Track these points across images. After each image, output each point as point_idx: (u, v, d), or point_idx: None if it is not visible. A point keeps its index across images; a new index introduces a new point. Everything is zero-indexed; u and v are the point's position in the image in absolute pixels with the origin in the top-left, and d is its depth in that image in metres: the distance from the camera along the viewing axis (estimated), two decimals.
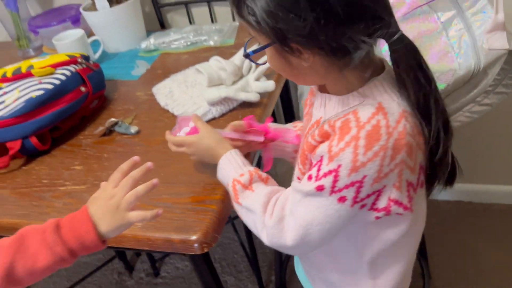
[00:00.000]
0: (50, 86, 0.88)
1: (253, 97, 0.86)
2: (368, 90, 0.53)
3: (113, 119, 0.93)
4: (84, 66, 0.98)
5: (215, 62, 0.91)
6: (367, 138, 0.50)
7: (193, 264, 0.79)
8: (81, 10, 1.23)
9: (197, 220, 0.66)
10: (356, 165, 0.50)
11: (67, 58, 0.96)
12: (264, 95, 0.90)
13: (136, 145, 0.87)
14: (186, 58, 1.16)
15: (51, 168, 0.86)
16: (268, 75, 0.92)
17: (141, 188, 0.56)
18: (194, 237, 0.64)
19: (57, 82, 0.90)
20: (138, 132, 0.90)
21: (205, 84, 0.90)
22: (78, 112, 0.95)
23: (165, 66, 1.15)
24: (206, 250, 0.64)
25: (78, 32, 1.17)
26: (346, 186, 0.51)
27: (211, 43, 1.18)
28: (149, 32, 1.30)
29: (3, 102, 0.90)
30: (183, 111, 0.89)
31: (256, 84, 0.88)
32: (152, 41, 1.22)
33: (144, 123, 0.92)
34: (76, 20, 1.31)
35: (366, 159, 0.50)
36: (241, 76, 0.92)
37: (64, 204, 0.76)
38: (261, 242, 0.61)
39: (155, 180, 0.57)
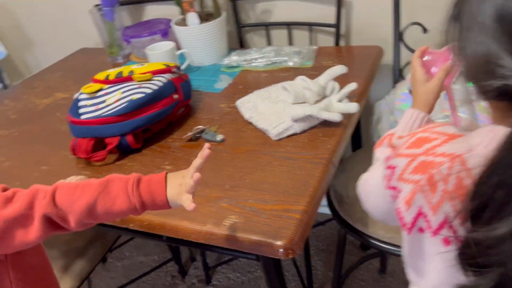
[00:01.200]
0: (149, 91, 0.97)
1: (336, 117, 0.89)
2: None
3: (200, 126, 1.00)
4: (177, 75, 1.06)
5: (301, 81, 0.96)
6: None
7: (264, 269, 0.83)
8: (172, 24, 1.34)
9: (282, 227, 0.70)
10: None
11: (163, 67, 1.05)
12: (344, 116, 0.93)
13: (222, 152, 0.92)
14: (265, 76, 1.22)
15: (142, 165, 0.93)
16: (348, 97, 0.96)
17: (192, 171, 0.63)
18: (280, 242, 0.67)
19: (155, 87, 0.98)
20: (223, 140, 0.96)
21: (290, 101, 0.95)
22: (167, 117, 1.02)
23: (246, 82, 1.22)
24: (290, 256, 0.68)
25: (169, 44, 1.27)
26: None
27: (291, 63, 1.24)
28: (229, 49, 1.39)
29: (104, 101, 0.99)
30: (266, 124, 0.94)
31: (339, 105, 0.92)
32: (234, 58, 1.30)
33: (228, 133, 0.98)
34: (165, 33, 1.41)
35: None
36: (324, 96, 0.96)
37: None
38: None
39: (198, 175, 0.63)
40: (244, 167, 0.86)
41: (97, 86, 1.02)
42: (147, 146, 0.99)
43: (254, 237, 0.69)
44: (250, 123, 0.99)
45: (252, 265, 1.64)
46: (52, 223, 0.60)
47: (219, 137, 0.96)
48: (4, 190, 0.62)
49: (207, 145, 0.65)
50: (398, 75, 1.24)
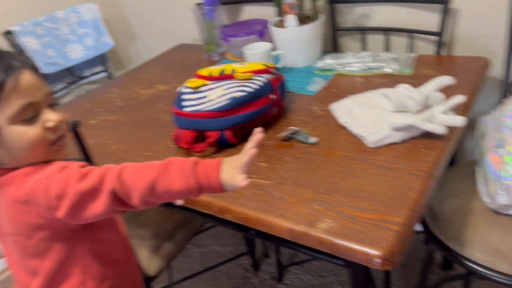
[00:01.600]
0: (250, 89, 1.00)
1: (440, 129, 0.86)
2: None
3: (293, 128, 1.02)
4: (275, 76, 1.09)
5: (404, 90, 0.94)
6: None
7: (353, 276, 0.83)
8: (270, 25, 1.37)
9: (380, 237, 0.69)
10: None
11: (263, 67, 1.08)
12: (448, 129, 0.89)
13: (314, 155, 0.93)
14: (360, 81, 1.21)
15: None
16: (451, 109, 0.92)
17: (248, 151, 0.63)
18: (377, 252, 0.67)
19: (256, 86, 1.01)
20: (316, 143, 0.97)
21: (390, 108, 0.93)
22: (263, 116, 1.05)
23: (340, 86, 1.21)
24: (387, 267, 0.67)
25: (267, 45, 1.31)
26: None
27: (388, 70, 1.21)
28: (323, 52, 1.39)
29: (205, 97, 1.04)
30: (363, 130, 0.93)
31: (444, 117, 0.88)
32: (328, 61, 1.30)
33: (321, 136, 0.99)
34: (262, 34, 1.45)
35: None
36: (426, 107, 0.93)
37: (253, 194, 0.85)
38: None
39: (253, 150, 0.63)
40: (338, 171, 0.87)
41: (200, 81, 1.08)
42: (243, 142, 1.03)
43: (350, 244, 0.69)
44: (345, 128, 0.99)
45: (325, 270, 1.63)
46: (118, 199, 0.66)
47: (313, 139, 0.97)
48: (82, 167, 0.69)
49: (258, 129, 0.66)
50: (506, 89, 1.16)
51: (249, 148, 0.63)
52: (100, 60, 1.94)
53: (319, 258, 0.86)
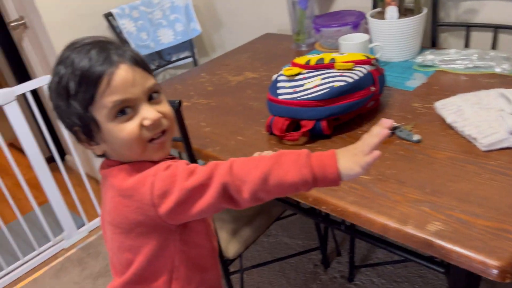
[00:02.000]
0: (350, 80, 0.97)
1: None
2: None
3: (394, 123, 0.97)
4: (375, 68, 1.04)
5: None
6: None
7: (452, 284, 0.77)
8: (367, 16, 1.32)
9: (499, 247, 0.63)
10: None
11: (364, 58, 1.04)
12: None
13: (417, 153, 0.88)
14: (465, 80, 1.13)
15: None
16: None
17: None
18: (496, 263, 0.61)
19: (356, 77, 0.98)
20: (419, 141, 0.91)
21: (508, 111, 0.86)
22: (359, 108, 1.02)
23: (442, 83, 1.14)
24: (508, 280, 0.61)
25: (363, 36, 1.26)
26: None
27: (498, 70, 1.11)
28: (421, 47, 1.31)
29: (302, 85, 1.02)
30: (475, 132, 0.86)
31: None
32: (429, 57, 1.22)
33: (424, 134, 0.93)
34: (356, 25, 1.40)
35: None
36: None
37: (350, 187, 0.82)
38: None
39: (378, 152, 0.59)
40: (446, 173, 0.81)
41: (296, 69, 1.06)
42: (336, 134, 1.00)
43: (465, 250, 0.64)
44: (452, 128, 0.93)
45: (399, 275, 1.56)
46: (226, 194, 0.62)
47: (416, 137, 0.92)
48: (187, 165, 0.67)
49: (387, 121, 0.60)
50: None
51: (373, 143, 0.59)
52: (188, 45, 2.00)
53: (415, 262, 0.82)
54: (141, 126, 0.66)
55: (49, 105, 2.15)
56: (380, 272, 1.59)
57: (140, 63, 0.69)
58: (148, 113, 0.67)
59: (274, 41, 1.70)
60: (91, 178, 2.46)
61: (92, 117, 0.66)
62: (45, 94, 1.86)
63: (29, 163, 1.88)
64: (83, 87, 0.64)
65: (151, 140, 0.68)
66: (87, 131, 0.68)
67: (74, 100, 0.65)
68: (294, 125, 1.01)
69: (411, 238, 0.70)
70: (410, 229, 0.70)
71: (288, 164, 0.61)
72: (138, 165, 0.69)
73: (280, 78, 1.08)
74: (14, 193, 2.45)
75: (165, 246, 0.72)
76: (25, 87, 1.73)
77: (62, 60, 0.67)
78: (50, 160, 2.13)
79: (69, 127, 0.70)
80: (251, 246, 1.81)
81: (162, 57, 1.95)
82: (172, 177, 0.63)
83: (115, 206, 0.69)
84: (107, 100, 0.64)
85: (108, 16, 1.78)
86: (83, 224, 2.12)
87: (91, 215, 2.19)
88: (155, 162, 0.69)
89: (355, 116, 1.04)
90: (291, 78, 1.06)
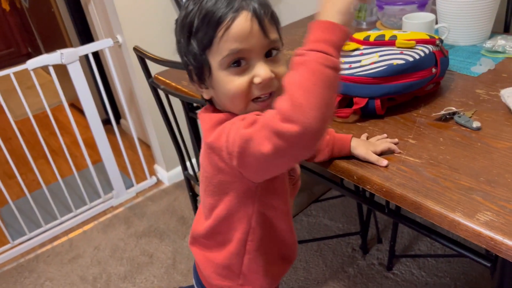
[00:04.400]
0: (410, 59, 0.92)
1: None
2: None
3: (452, 108, 0.91)
4: (439, 49, 0.98)
5: None
6: None
7: (499, 280, 0.73)
8: None
9: None
10: None
11: (427, 37, 0.98)
12: None
13: (475, 141, 0.83)
14: None
15: (384, 132, 0.91)
16: None
17: None
18: None
19: (417, 56, 0.93)
20: (479, 129, 0.86)
21: None
22: (416, 90, 0.97)
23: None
24: None
25: (429, 16, 1.19)
26: None
27: None
28: (491, 32, 1.22)
29: (358, 61, 0.99)
30: None
31: None
32: (500, 42, 1.13)
33: (485, 122, 0.87)
34: (423, 5, 1.32)
35: None
36: None
37: (398, 169, 0.79)
38: None
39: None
40: (504, 164, 0.76)
41: (354, 45, 1.03)
42: (389, 115, 0.97)
43: None
44: None
45: (441, 270, 1.50)
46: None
47: (475, 124, 0.86)
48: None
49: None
50: None
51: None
52: None
53: (459, 254, 0.78)
54: (251, 82, 0.64)
55: (109, 68, 2.24)
56: (421, 264, 1.54)
57: (266, 13, 0.64)
58: (261, 70, 0.63)
59: None
60: (142, 143, 2.56)
61: (206, 60, 0.65)
62: (106, 57, 1.94)
63: (86, 123, 1.98)
64: (204, 28, 0.63)
65: (256, 98, 0.66)
66: (200, 73, 0.68)
67: (194, 39, 0.65)
68: (346, 102, 0.99)
69: (458, 226, 0.66)
70: (458, 217, 0.66)
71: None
72: (227, 115, 0.67)
73: None
74: (71, 150, 2.61)
75: (244, 203, 0.72)
76: (88, 48, 1.81)
77: None
78: (105, 122, 2.23)
79: (185, 65, 0.70)
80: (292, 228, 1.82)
81: None
82: (238, 127, 0.61)
83: (204, 151, 0.71)
84: (223, 46, 0.62)
85: None
86: (132, 185, 2.22)
87: (140, 178, 2.29)
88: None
89: (411, 98, 1.00)
90: (348, 53, 1.02)
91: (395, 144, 0.84)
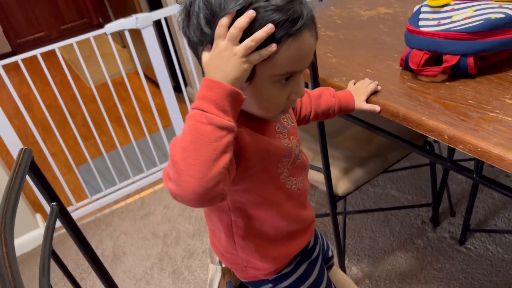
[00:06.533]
0: (511, 12, 0.85)
1: None
2: None
3: None
4: None
5: None
6: None
7: None
8: None
9: None
10: None
11: None
12: None
13: None
14: None
15: (476, 92, 0.85)
16: None
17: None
18: None
19: None
20: None
21: None
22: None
23: None
24: None
25: None
26: None
27: None
28: None
29: (450, 17, 0.92)
30: None
31: None
32: None
33: None
34: None
35: None
36: None
37: (495, 129, 0.74)
38: None
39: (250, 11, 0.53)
40: None
41: (443, 0, 0.96)
42: (481, 74, 0.90)
43: None
44: None
45: None
46: None
47: None
48: None
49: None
50: None
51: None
52: None
53: None
54: (289, 96, 0.62)
55: (176, 35, 2.27)
56: (497, 240, 1.46)
57: (316, 27, 0.60)
58: (300, 88, 0.62)
59: None
60: None
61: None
62: (175, 25, 1.97)
63: (154, 90, 2.05)
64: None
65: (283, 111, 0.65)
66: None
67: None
68: (434, 59, 0.93)
69: None
70: None
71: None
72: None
73: (424, 9, 0.98)
74: (141, 115, 2.72)
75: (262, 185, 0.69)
76: (162, 13, 1.85)
77: None
78: (174, 89, 2.30)
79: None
80: (355, 193, 1.79)
81: None
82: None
83: None
84: (280, 65, 0.57)
85: None
86: None
87: None
88: None
89: (506, 57, 0.92)
90: (437, 9, 0.96)
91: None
